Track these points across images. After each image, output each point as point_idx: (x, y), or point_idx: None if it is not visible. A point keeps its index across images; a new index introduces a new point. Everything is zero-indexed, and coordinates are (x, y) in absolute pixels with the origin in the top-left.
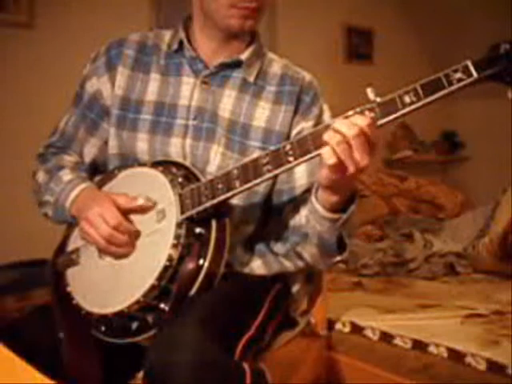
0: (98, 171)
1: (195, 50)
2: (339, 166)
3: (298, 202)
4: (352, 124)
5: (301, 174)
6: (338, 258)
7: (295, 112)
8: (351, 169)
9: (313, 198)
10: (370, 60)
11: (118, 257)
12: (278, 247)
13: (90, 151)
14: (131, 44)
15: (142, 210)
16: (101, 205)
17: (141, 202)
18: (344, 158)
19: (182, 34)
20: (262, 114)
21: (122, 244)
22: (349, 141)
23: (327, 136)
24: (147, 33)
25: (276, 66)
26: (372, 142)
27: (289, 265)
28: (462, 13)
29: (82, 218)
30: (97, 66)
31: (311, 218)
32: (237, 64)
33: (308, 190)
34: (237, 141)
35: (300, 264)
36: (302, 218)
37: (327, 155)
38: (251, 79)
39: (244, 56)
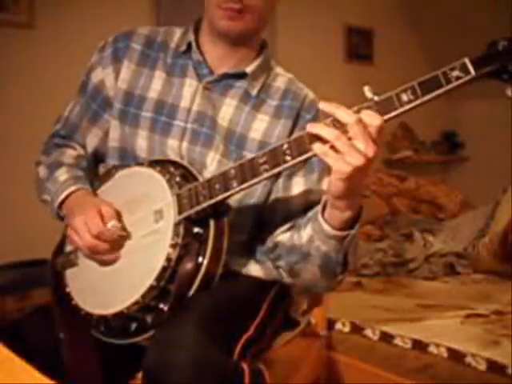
0: (101, 161)
1: (202, 54)
2: (343, 160)
3: (294, 220)
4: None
5: (298, 192)
6: (341, 277)
7: (293, 127)
8: (360, 159)
9: (319, 218)
10: (370, 60)
11: (102, 264)
12: (271, 259)
13: (92, 140)
14: (139, 38)
15: (111, 233)
16: (85, 213)
17: (109, 225)
18: (345, 149)
19: (191, 36)
20: (259, 126)
21: (104, 252)
22: (347, 131)
23: (324, 132)
24: (158, 28)
25: (280, 80)
26: (374, 130)
27: (286, 276)
28: (461, 12)
29: (69, 223)
30: (102, 57)
31: (316, 237)
32: (241, 75)
33: (305, 210)
34: (233, 150)
35: (295, 282)
36: (301, 238)
37: (320, 151)
38: (254, 92)
39: (249, 69)
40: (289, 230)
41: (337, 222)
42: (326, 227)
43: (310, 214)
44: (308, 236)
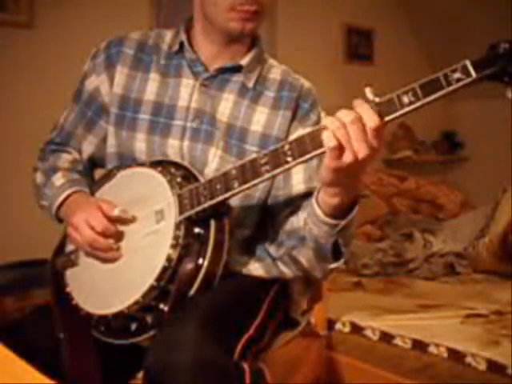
0: (97, 166)
1: (196, 52)
2: (339, 152)
3: (295, 206)
4: (350, 111)
5: (298, 181)
6: (334, 265)
7: (293, 118)
8: (350, 157)
9: (313, 201)
10: (370, 60)
11: (104, 261)
12: (273, 251)
13: (88, 147)
14: (131, 42)
15: (120, 220)
16: (86, 210)
17: (116, 212)
18: (343, 142)
19: (182, 36)
20: (259, 118)
21: (106, 249)
22: (346, 126)
23: (328, 121)
24: (148, 32)
25: (275, 71)
26: (371, 132)
27: (286, 270)
28: (461, 13)
29: (68, 222)
30: (96, 64)
31: (309, 221)
32: (237, 69)
33: (306, 196)
34: (234, 144)
35: (296, 270)
36: (299, 221)
37: (327, 138)
38: (250, 84)
39: (244, 61)
40: (290, 214)
41: (326, 208)
42: (318, 211)
43: (306, 199)
44: (303, 219)
